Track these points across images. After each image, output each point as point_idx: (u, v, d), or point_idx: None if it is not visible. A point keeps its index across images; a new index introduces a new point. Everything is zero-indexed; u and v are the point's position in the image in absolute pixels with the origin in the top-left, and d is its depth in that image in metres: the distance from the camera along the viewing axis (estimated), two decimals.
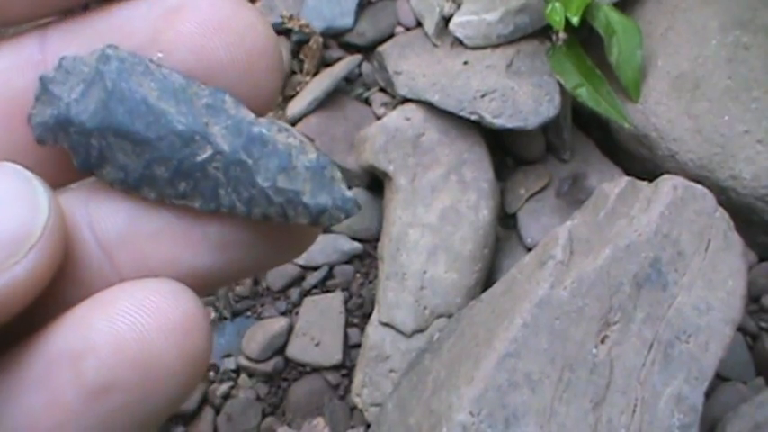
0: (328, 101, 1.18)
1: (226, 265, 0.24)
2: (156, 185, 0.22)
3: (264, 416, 1.08)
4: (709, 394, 0.95)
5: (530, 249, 1.03)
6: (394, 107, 1.15)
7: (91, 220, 0.23)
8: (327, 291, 1.14)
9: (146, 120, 0.22)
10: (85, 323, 0.21)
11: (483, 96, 1.05)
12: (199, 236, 0.23)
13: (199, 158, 0.22)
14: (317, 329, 1.10)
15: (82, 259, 0.23)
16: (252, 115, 0.23)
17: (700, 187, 0.87)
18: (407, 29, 1.23)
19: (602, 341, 0.80)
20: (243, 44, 0.23)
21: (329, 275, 1.15)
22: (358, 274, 1.15)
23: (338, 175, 0.23)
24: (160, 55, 0.23)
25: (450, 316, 1.00)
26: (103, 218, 0.23)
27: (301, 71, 1.22)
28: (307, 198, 0.22)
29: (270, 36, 0.23)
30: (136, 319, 0.21)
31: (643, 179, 0.91)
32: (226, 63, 0.23)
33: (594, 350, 0.80)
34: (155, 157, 0.22)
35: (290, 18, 1.22)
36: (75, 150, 0.22)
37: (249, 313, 1.14)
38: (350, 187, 1.15)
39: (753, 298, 1.08)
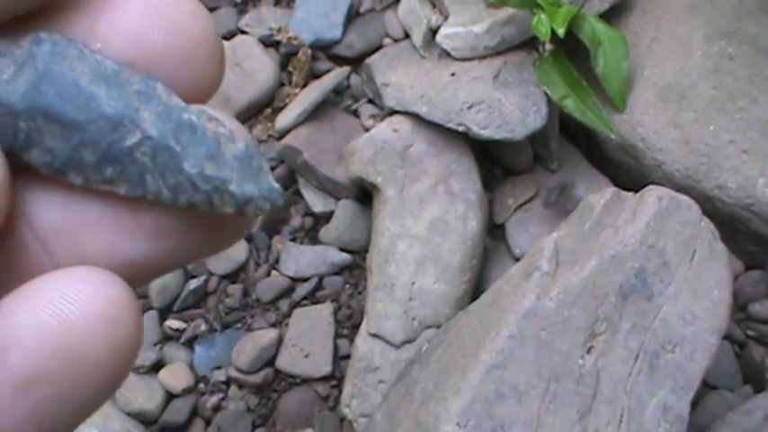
0: (317, 113, 1.19)
1: (161, 254, 0.24)
2: (83, 170, 0.22)
3: (254, 427, 1.09)
4: (696, 403, 0.96)
5: (518, 260, 1.04)
6: (382, 119, 1.16)
7: (25, 210, 0.23)
8: (317, 302, 1.14)
9: (75, 102, 0.22)
10: (11, 315, 0.21)
11: (470, 108, 1.06)
12: (134, 225, 0.23)
13: (127, 143, 0.22)
14: (306, 341, 1.11)
15: (17, 249, 0.23)
16: (183, 103, 0.23)
17: (685, 197, 0.88)
18: (395, 41, 1.23)
19: (589, 352, 0.81)
20: (182, 31, 0.23)
21: (318, 287, 1.15)
22: (347, 286, 1.15)
23: (266, 165, 0.23)
24: (99, 45, 0.23)
25: (438, 327, 1.01)
26: (37, 207, 0.23)
27: (290, 83, 1.22)
28: (233, 186, 0.22)
29: (209, 24, 0.23)
30: (60, 310, 0.21)
31: (630, 189, 0.92)
32: (165, 51, 0.23)
33: (581, 361, 0.80)
34: (83, 141, 0.22)
35: (279, 30, 1.23)
36: (2, 132, 0.22)
37: (239, 325, 1.14)
38: (338, 199, 1.15)
39: (740, 306, 1.09)
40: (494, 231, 1.15)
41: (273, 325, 1.13)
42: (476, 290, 1.07)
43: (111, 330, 0.21)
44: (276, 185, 0.23)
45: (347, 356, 1.09)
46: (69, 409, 0.21)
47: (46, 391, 0.21)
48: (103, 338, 0.21)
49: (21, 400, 0.21)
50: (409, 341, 1.02)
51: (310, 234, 1.18)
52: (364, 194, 1.16)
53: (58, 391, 0.21)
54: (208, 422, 1.09)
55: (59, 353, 0.21)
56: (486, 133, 1.06)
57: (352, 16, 1.27)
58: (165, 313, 1.15)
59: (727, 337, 1.05)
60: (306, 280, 1.15)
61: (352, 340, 1.09)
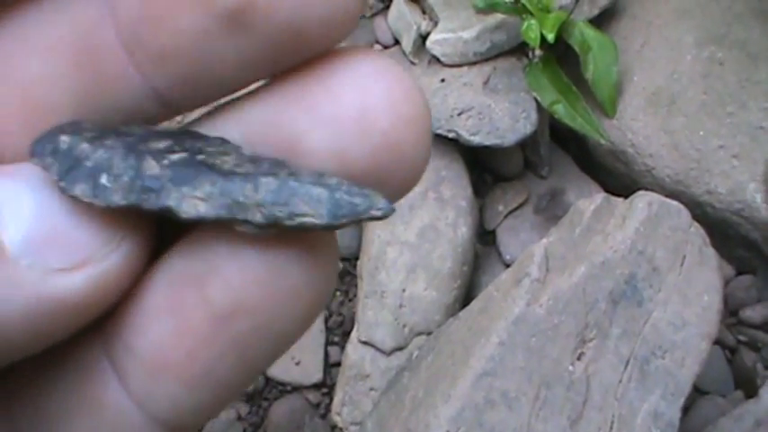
0: None
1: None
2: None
3: None
4: (688, 408, 0.96)
5: (509, 266, 1.04)
6: None
7: None
8: None
9: None
10: (207, 245, 0.21)
11: (460, 114, 1.06)
12: None
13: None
14: (297, 348, 1.10)
15: None
16: None
17: (675, 203, 0.88)
18: (385, 47, 1.23)
19: (579, 358, 0.81)
20: (391, 147, 0.20)
21: None
22: (338, 293, 1.15)
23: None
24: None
25: (429, 334, 1.00)
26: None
27: None
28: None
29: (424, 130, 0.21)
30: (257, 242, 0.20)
31: (621, 194, 0.91)
32: (365, 171, 0.20)
33: (571, 367, 0.80)
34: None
35: None
36: None
37: None
38: None
39: (731, 311, 1.09)
40: (484, 238, 1.15)
41: None
42: (467, 296, 1.06)
43: (312, 257, 0.21)
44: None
45: (338, 364, 1.09)
46: (270, 341, 0.21)
47: (247, 323, 0.20)
48: (303, 265, 0.21)
49: (222, 333, 0.20)
50: (400, 348, 1.01)
51: None
52: None
53: (260, 322, 0.20)
54: (199, 430, 1.08)
55: (260, 283, 0.20)
56: (476, 139, 1.05)
57: None
58: None
59: (719, 342, 1.05)
60: None
61: (343, 347, 1.09)
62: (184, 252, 0.21)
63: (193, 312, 0.20)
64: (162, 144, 0.21)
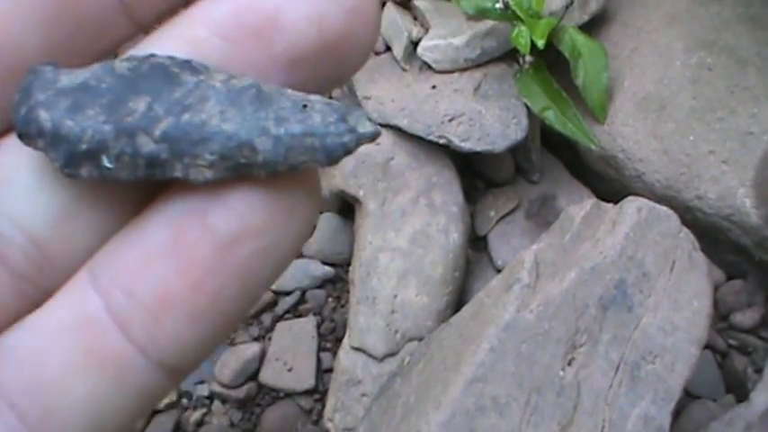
0: None
1: None
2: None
3: None
4: (679, 413, 0.96)
5: (500, 271, 1.04)
6: None
7: None
8: (300, 315, 1.14)
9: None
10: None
11: (451, 120, 1.06)
12: None
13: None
14: (289, 354, 1.10)
15: None
16: None
17: (664, 208, 0.88)
18: (376, 53, 1.23)
19: (569, 364, 0.81)
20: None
21: (301, 300, 1.15)
22: (330, 299, 1.15)
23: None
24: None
25: (421, 339, 1.00)
26: None
27: None
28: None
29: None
30: None
31: (612, 199, 0.92)
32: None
33: (561, 373, 0.80)
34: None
35: None
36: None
37: None
38: (320, 212, 1.15)
39: (721, 316, 1.09)
40: (476, 243, 1.15)
41: (256, 339, 1.13)
42: (458, 302, 1.07)
43: (303, 180, 0.22)
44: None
45: (330, 370, 1.09)
46: (270, 264, 0.22)
47: (250, 247, 0.21)
48: (297, 182, 0.22)
49: (226, 260, 0.21)
50: (391, 354, 1.02)
51: None
52: (346, 208, 1.16)
53: (262, 245, 0.21)
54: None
55: (262, 205, 0.21)
56: (467, 145, 1.06)
57: None
58: None
59: (710, 346, 1.06)
60: (288, 293, 1.15)
61: (335, 354, 1.09)
62: (179, 192, 0.22)
63: (197, 244, 0.21)
64: (141, 104, 0.21)
